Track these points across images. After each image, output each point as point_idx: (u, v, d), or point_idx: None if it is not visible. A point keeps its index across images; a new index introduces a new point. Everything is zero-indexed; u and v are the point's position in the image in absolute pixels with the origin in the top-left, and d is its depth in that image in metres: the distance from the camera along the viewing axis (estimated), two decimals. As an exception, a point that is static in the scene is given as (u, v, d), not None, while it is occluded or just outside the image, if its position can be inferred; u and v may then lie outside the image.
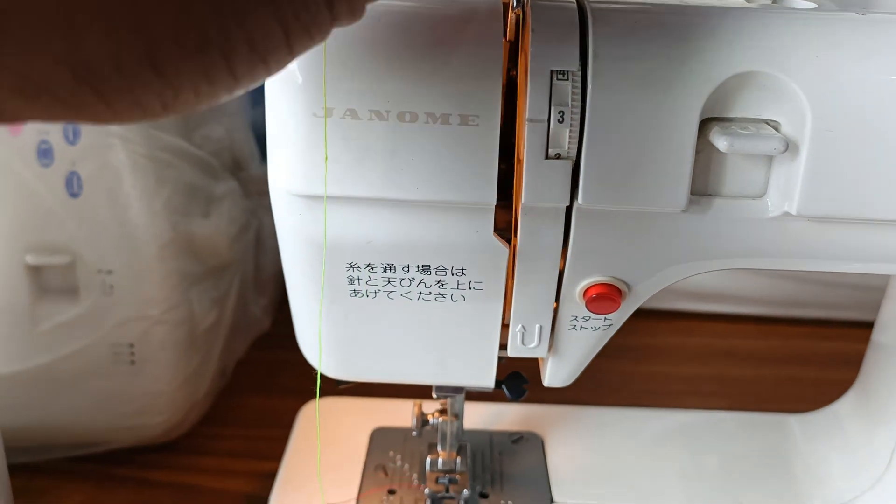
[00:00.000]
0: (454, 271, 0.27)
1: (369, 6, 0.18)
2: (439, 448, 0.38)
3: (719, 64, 0.24)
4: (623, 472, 0.40)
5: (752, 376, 0.54)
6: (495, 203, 0.25)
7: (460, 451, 0.38)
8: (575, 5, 0.25)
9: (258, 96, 0.59)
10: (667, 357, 0.56)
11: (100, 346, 0.44)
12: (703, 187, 0.26)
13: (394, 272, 0.27)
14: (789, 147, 0.24)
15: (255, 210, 0.52)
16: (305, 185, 0.25)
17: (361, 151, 0.25)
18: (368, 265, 0.27)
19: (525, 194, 0.25)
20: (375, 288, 0.27)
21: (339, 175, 0.25)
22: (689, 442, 0.42)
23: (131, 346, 0.45)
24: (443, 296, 0.28)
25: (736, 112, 0.25)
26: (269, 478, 0.41)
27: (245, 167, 0.52)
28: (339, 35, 0.23)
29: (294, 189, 0.25)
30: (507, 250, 0.27)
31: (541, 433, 0.42)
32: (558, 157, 0.24)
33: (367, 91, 0.24)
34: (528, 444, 0.41)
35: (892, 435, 0.39)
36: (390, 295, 0.28)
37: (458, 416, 0.37)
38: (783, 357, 0.56)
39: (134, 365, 0.45)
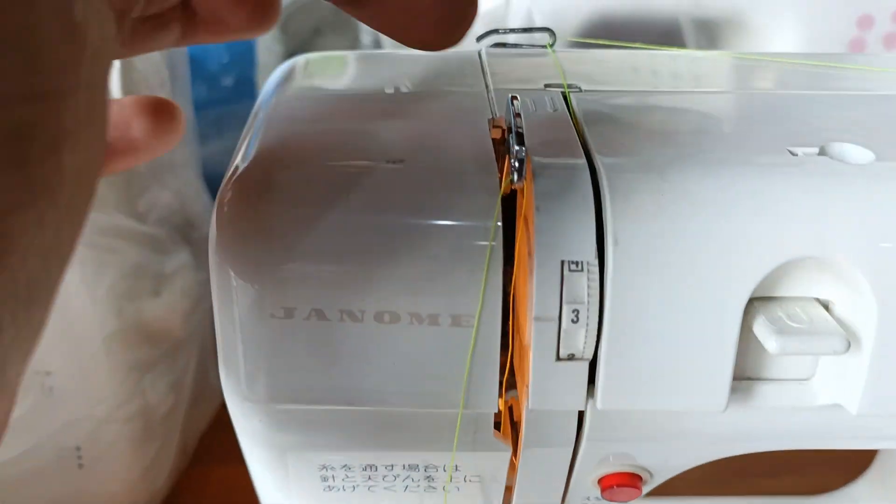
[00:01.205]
0: (446, 468, 0.23)
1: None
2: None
3: (768, 250, 0.19)
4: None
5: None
6: (494, 412, 0.21)
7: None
8: (586, 169, 0.20)
9: (207, 130, 0.53)
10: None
11: (42, 450, 0.39)
12: (740, 370, 0.21)
13: (375, 471, 0.23)
14: (851, 343, 0.20)
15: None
16: (268, 394, 0.21)
17: (330, 357, 0.20)
18: (345, 466, 0.22)
19: (532, 399, 0.20)
20: (353, 483, 0.23)
21: (305, 382, 0.20)
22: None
23: (78, 448, 0.40)
24: (433, 488, 0.23)
25: (783, 290, 0.20)
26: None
27: (198, 225, 0.47)
28: (298, 228, 0.19)
29: (254, 398, 0.21)
30: (510, 450, 0.22)
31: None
32: (572, 357, 0.20)
33: (336, 289, 0.19)
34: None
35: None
36: (371, 489, 0.23)
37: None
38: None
39: (82, 468, 0.41)
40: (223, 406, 0.50)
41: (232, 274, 0.20)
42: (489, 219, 0.19)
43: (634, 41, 0.56)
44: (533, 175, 0.20)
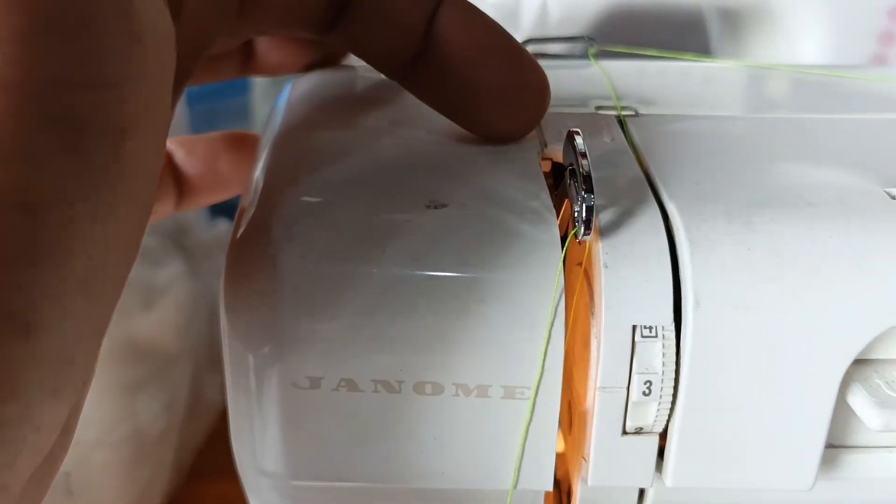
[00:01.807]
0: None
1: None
2: None
3: (870, 314, 0.17)
4: None
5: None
6: (549, 489, 0.18)
7: None
8: (660, 219, 0.17)
9: (200, 126, 0.50)
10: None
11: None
12: (829, 438, 0.19)
13: (407, 545, 0.20)
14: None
15: (206, 281, 0.44)
16: (287, 471, 0.18)
17: (362, 432, 0.17)
18: (372, 543, 0.20)
19: (592, 475, 0.18)
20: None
21: (331, 458, 0.18)
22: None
23: (67, 475, 0.38)
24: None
25: (880, 353, 0.18)
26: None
27: (191, 231, 0.44)
28: (325, 284, 0.16)
29: (272, 474, 0.18)
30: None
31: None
32: (639, 431, 0.17)
33: (371, 356, 0.17)
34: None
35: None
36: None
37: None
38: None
39: (72, 495, 0.38)
40: (220, 418, 0.48)
41: (247, 338, 0.17)
42: (549, 274, 0.17)
43: (655, 33, 0.53)
44: (597, 224, 0.17)
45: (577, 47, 0.25)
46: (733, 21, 0.51)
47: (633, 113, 0.22)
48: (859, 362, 0.18)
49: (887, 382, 0.18)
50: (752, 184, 0.18)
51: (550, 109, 0.21)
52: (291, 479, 0.18)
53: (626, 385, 0.17)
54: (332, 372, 0.17)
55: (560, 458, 0.20)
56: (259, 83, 0.53)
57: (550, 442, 0.18)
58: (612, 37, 0.50)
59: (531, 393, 0.17)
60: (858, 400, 0.17)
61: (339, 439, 0.18)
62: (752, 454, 0.18)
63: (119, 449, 0.38)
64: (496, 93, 0.18)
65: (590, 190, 0.16)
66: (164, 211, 0.24)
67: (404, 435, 0.17)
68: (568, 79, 0.24)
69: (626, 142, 0.20)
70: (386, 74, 0.19)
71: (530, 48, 0.25)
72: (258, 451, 0.18)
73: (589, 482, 0.18)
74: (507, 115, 0.19)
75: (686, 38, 0.51)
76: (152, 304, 0.39)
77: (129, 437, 0.38)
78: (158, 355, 0.40)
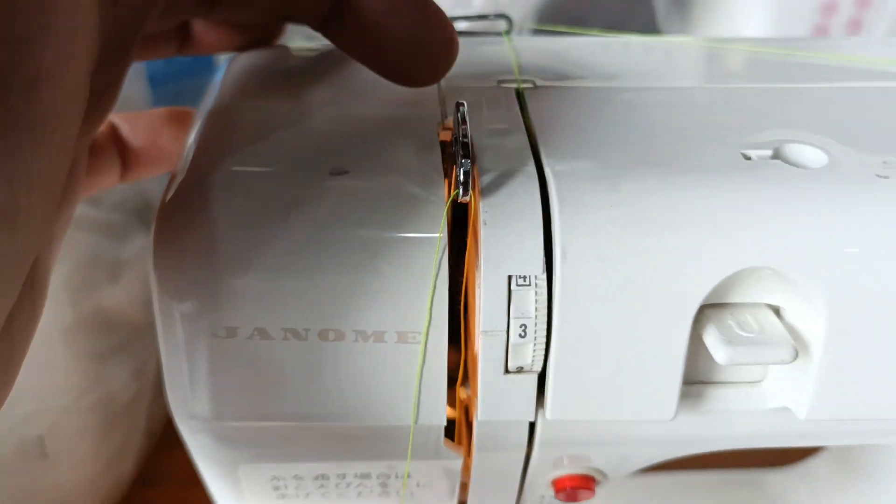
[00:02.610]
0: (398, 475, 0.23)
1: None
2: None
3: (716, 262, 0.19)
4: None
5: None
6: (444, 424, 0.21)
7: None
8: (535, 180, 0.19)
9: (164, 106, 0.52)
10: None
11: (5, 442, 0.39)
12: (692, 374, 0.21)
13: (327, 479, 0.23)
14: (799, 351, 0.20)
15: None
16: (214, 412, 0.20)
17: (275, 376, 0.20)
18: (296, 476, 0.22)
19: (481, 410, 0.20)
20: (307, 491, 0.23)
21: (250, 400, 0.20)
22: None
23: (41, 438, 0.40)
24: (387, 493, 0.23)
25: (734, 297, 0.20)
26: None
27: (154, 208, 0.46)
28: (238, 244, 0.18)
29: (201, 416, 0.20)
30: (462, 455, 0.22)
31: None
32: (520, 370, 0.20)
33: (280, 307, 0.19)
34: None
35: (868, 495, 0.37)
36: (325, 495, 0.23)
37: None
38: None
39: (48, 458, 0.40)
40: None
41: (172, 292, 0.19)
42: (435, 231, 0.19)
43: (603, 6, 0.54)
44: (480, 186, 0.19)
45: (496, 25, 0.27)
46: (678, -2, 0.53)
47: (531, 86, 0.24)
48: (716, 306, 0.20)
49: (738, 323, 0.20)
50: (624, 149, 0.21)
51: (456, 84, 0.24)
52: (218, 420, 0.21)
53: (506, 328, 0.19)
54: (246, 322, 0.19)
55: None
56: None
57: (441, 381, 0.20)
58: (561, 11, 0.52)
59: (422, 337, 0.19)
60: (710, 338, 0.20)
61: (256, 383, 0.20)
62: (620, 389, 0.20)
63: (91, 415, 0.40)
64: (404, 43, 0.20)
65: (466, 156, 0.18)
66: (110, 181, 0.26)
67: (313, 378, 0.20)
68: (477, 55, 0.26)
69: (519, 112, 0.22)
70: (310, 27, 0.21)
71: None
72: (187, 397, 0.20)
73: (478, 417, 0.20)
74: (416, 64, 0.21)
75: (633, 11, 0.53)
76: (119, 276, 0.41)
77: (100, 403, 0.40)
78: (126, 325, 0.42)
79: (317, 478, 0.22)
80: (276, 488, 0.23)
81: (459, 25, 0.28)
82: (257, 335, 0.19)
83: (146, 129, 0.26)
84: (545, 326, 0.19)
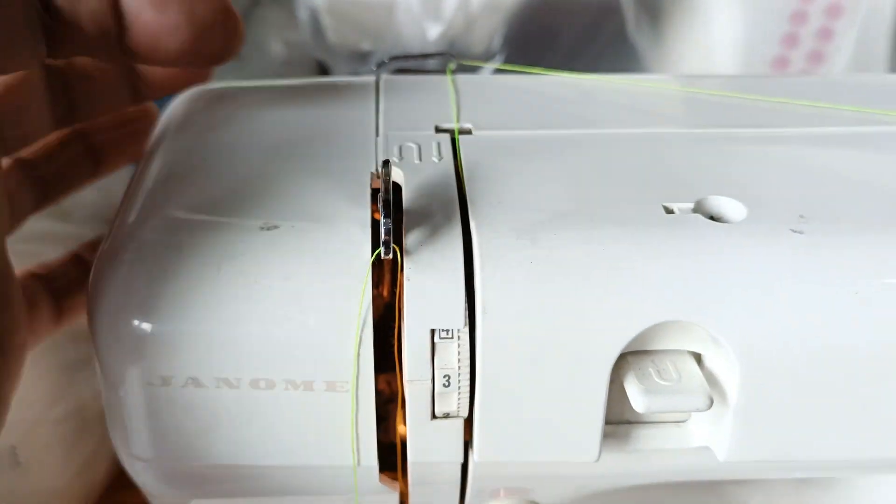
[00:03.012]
0: (337, 507, 0.23)
1: None
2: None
3: (631, 316, 0.20)
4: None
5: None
6: (377, 466, 0.21)
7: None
8: (459, 237, 0.20)
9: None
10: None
11: (-26, 452, 0.40)
12: (618, 414, 0.22)
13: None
14: (717, 397, 0.20)
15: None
16: (153, 453, 0.21)
17: (210, 422, 0.20)
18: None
19: (411, 453, 0.21)
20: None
21: (187, 444, 0.21)
22: None
23: (13, 447, 0.41)
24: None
25: (656, 345, 0.21)
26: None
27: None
28: (169, 297, 0.19)
29: (141, 456, 0.21)
30: (398, 489, 0.23)
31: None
32: (447, 416, 0.21)
33: (212, 357, 0.20)
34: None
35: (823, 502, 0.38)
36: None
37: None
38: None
39: (20, 465, 0.41)
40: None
41: (106, 343, 0.20)
42: (358, 286, 0.20)
43: (574, 17, 0.55)
44: (405, 242, 0.20)
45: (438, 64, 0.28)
46: (649, 5, 0.53)
47: (468, 132, 0.24)
48: (639, 353, 0.21)
49: (658, 371, 0.21)
50: (550, 201, 0.21)
51: (395, 127, 0.24)
52: (158, 462, 0.21)
53: (431, 378, 0.20)
54: (179, 372, 0.20)
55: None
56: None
57: (371, 427, 0.21)
58: (532, 21, 0.52)
59: (351, 386, 0.20)
60: (630, 387, 0.20)
61: (191, 428, 0.21)
62: (544, 433, 0.21)
63: (62, 425, 0.41)
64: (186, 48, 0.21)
65: (388, 215, 0.19)
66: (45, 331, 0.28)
67: (246, 423, 0.21)
68: (424, 97, 0.26)
69: (452, 161, 0.23)
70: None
71: (395, 65, 0.28)
72: (128, 439, 0.21)
73: (409, 459, 0.21)
74: (201, 58, 0.21)
75: (604, 22, 0.53)
76: (88, 288, 0.42)
77: (71, 414, 0.41)
78: (97, 336, 0.43)
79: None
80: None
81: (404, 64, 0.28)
82: (191, 384, 0.20)
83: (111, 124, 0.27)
84: (469, 375, 0.20)
